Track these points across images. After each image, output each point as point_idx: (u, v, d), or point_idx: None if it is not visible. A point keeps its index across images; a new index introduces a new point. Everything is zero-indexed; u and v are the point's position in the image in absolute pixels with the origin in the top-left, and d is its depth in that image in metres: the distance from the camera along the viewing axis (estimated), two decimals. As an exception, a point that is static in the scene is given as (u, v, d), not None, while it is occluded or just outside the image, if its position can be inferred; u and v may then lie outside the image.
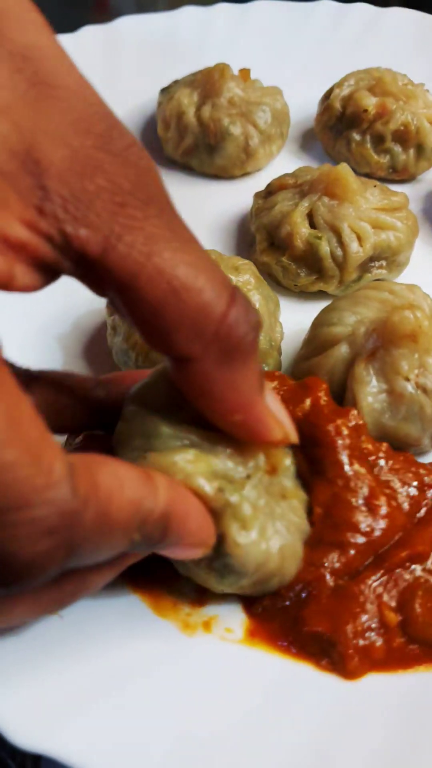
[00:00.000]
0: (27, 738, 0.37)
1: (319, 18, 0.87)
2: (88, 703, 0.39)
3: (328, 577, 0.42)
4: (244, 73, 0.74)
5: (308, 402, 0.46)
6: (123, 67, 0.82)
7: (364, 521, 0.43)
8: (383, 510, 0.44)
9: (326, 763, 0.38)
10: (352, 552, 0.43)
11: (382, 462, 0.46)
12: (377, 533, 0.43)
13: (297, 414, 0.45)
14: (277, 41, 0.86)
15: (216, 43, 0.85)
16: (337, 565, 0.42)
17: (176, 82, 0.75)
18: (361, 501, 0.44)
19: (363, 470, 0.44)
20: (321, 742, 0.39)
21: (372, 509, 0.44)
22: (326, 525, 0.43)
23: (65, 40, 0.81)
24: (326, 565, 0.42)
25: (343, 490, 0.44)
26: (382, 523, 0.43)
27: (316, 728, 0.39)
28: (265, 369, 0.54)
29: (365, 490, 0.44)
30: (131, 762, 0.37)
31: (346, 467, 0.44)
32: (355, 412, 0.46)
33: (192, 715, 0.39)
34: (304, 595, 0.42)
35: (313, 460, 0.45)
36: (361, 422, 0.46)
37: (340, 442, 0.44)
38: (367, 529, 0.43)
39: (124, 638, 0.42)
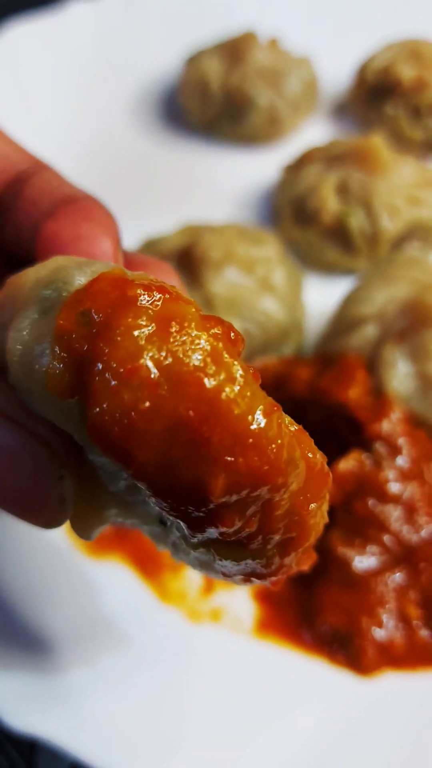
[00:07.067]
0: (23, 722, 0.35)
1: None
2: (85, 691, 0.37)
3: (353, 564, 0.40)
4: (273, 43, 0.71)
5: (354, 388, 0.45)
6: (146, 35, 0.79)
7: (395, 517, 0.41)
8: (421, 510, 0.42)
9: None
10: (379, 547, 0.40)
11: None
12: (408, 532, 0.41)
13: (342, 397, 0.44)
14: (308, 8, 0.82)
15: (244, 8, 0.81)
16: (361, 557, 0.40)
17: (202, 51, 0.72)
18: (396, 489, 0.42)
19: (401, 463, 0.42)
20: (331, 745, 0.36)
21: (409, 507, 0.41)
22: (354, 516, 0.41)
23: (85, 6, 0.77)
24: (347, 553, 0.40)
25: (378, 485, 0.42)
26: (415, 521, 0.41)
27: (326, 731, 0.37)
28: (286, 350, 0.52)
29: (404, 489, 0.42)
30: (126, 751, 0.35)
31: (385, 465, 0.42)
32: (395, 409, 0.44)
33: (194, 710, 0.37)
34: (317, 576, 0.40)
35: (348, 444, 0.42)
36: (401, 416, 0.44)
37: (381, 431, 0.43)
38: (399, 528, 0.41)
39: (126, 625, 0.40)
